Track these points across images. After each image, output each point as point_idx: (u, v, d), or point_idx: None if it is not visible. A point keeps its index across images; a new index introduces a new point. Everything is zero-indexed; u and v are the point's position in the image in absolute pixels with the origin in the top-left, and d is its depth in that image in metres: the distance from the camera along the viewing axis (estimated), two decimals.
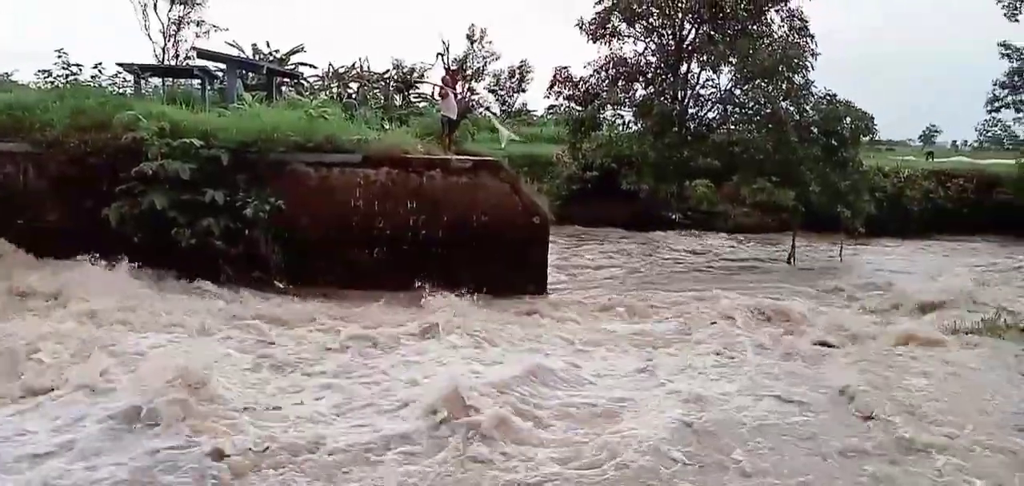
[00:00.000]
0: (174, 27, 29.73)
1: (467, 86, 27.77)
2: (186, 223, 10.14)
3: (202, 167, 10.38)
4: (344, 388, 6.73)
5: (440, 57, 25.35)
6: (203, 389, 5.99)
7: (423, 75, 33.06)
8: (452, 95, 20.53)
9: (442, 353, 7.90)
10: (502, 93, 33.80)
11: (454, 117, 16.89)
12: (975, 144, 41.66)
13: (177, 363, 6.24)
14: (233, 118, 11.70)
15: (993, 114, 27.39)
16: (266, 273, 10.34)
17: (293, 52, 31.71)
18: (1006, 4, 25.21)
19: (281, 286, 10.09)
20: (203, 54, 22.23)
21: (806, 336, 9.19)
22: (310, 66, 32.55)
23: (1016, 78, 25.68)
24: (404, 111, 27.89)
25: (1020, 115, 26.63)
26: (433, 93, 22.11)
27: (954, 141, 54.35)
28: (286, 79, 24.60)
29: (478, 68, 27.52)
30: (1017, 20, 25.29)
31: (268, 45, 32.29)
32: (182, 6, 29.55)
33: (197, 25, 29.78)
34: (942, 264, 15.74)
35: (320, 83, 32.28)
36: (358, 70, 33.82)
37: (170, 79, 20.80)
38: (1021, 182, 23.57)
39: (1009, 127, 28.03)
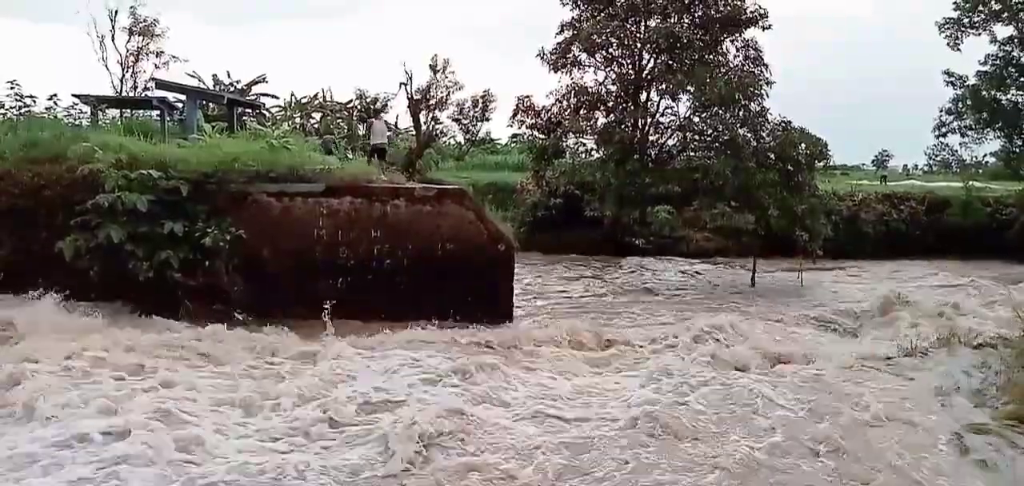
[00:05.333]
0: (132, 58, 29.22)
1: (431, 116, 27.81)
2: (144, 256, 9.95)
3: (161, 199, 10.21)
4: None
5: (403, 87, 25.43)
6: None
7: (386, 105, 33.09)
8: (379, 123, 20.60)
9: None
10: (466, 122, 33.92)
11: (383, 144, 16.97)
12: (925, 168, 42.95)
13: None
14: (193, 149, 11.55)
15: (941, 139, 28.38)
16: (227, 305, 10.15)
17: (255, 82, 31.51)
18: (949, 35, 26.35)
19: (241, 318, 9.92)
20: (162, 85, 21.91)
21: (762, 356, 9.32)
22: (272, 96, 32.39)
23: (960, 105, 26.66)
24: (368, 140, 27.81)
25: (965, 140, 27.64)
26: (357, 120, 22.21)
27: (905, 165, 55.97)
28: (247, 109, 24.39)
29: (442, 97, 27.57)
30: (959, 49, 26.45)
31: (229, 75, 32.05)
32: (141, 37, 29.09)
33: (156, 56, 29.31)
34: (897, 284, 16.14)
35: (282, 113, 32.06)
36: (321, 100, 33.72)
37: (128, 110, 20.46)
38: (968, 204, 24.42)
39: (956, 152, 29.03)
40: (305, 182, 11.05)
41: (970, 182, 27.39)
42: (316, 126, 30.21)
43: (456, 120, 33.41)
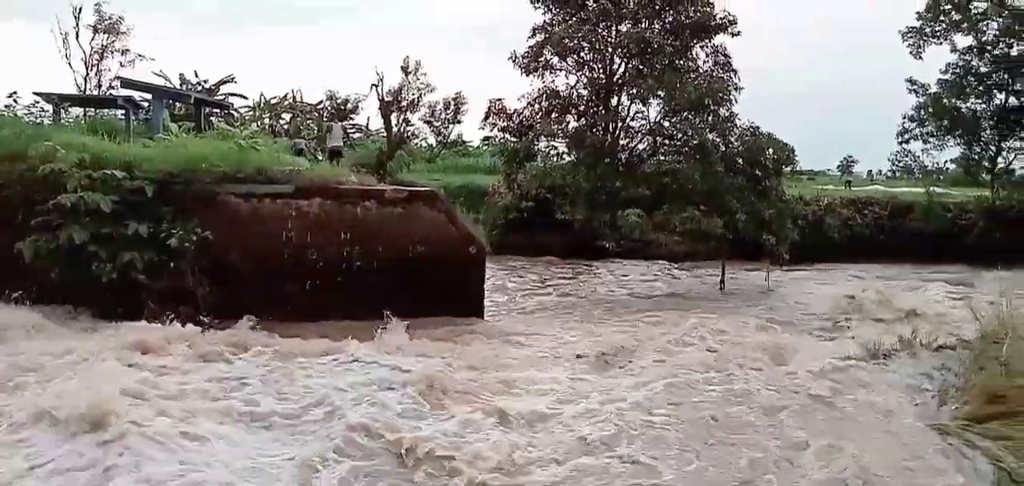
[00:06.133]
0: (97, 56, 28.63)
1: (402, 117, 27.68)
2: (107, 257, 9.76)
3: (125, 199, 10.04)
4: None
5: (374, 88, 25.27)
6: None
7: (357, 106, 32.92)
8: (337, 126, 20.56)
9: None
10: (437, 124, 33.86)
11: (339, 147, 16.97)
12: (889, 173, 43.81)
13: None
14: (159, 148, 11.37)
15: (904, 145, 28.96)
16: (193, 307, 10.00)
17: (223, 82, 31.11)
18: (912, 44, 26.97)
19: (207, 321, 9.78)
20: (128, 83, 21.53)
21: (733, 361, 9.43)
22: (241, 97, 31.98)
23: (922, 112, 27.27)
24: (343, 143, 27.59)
25: (927, 146, 28.27)
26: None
27: (870, 171, 57.06)
28: (215, 109, 24.06)
29: (413, 99, 27.46)
30: (921, 58, 27.09)
31: (196, 75, 31.59)
32: (106, 35, 28.52)
33: (122, 54, 28.77)
34: (862, 287, 16.45)
35: (251, 114, 31.69)
36: (291, 101, 33.40)
37: (92, 109, 20.05)
38: (930, 209, 25.02)
39: (918, 158, 29.67)
40: (274, 183, 10.94)
41: (931, 188, 28.05)
42: (286, 127, 29.90)
43: (428, 122, 33.33)
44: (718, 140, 17.87)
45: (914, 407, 7.56)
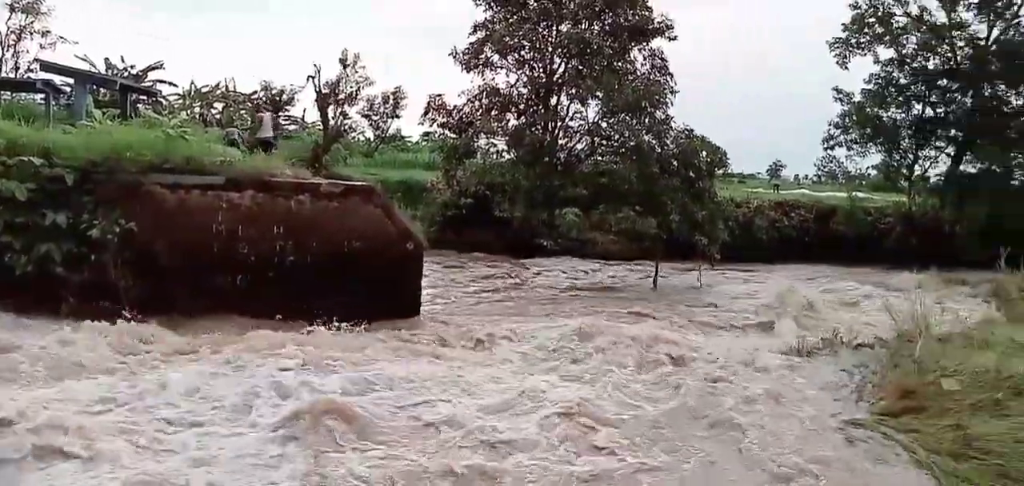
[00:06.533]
0: (14, 37, 27.22)
1: (340, 111, 27.24)
2: (22, 249, 9.28)
3: (43, 187, 9.55)
4: None
5: (311, 80, 24.76)
6: None
7: (293, 98, 32.26)
8: (267, 117, 20.21)
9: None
10: (376, 118, 33.48)
11: (269, 138, 16.65)
12: (815, 178, 45.49)
13: None
14: (80, 135, 10.85)
15: (829, 151, 30.14)
16: (115, 302, 9.60)
17: (151, 69, 30.06)
18: (838, 54, 28.12)
19: (129, 317, 9.41)
20: (47, 66, 20.56)
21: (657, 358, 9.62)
22: (170, 84, 30.94)
23: (847, 120, 28.44)
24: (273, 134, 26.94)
25: (851, 153, 29.50)
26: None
27: (797, 175, 59.10)
28: (142, 96, 23.20)
29: (351, 93, 27.05)
30: (847, 68, 28.28)
31: (123, 60, 30.40)
32: (24, 15, 27.13)
33: (41, 36, 27.44)
34: (787, 287, 17.06)
35: (181, 102, 30.67)
36: (223, 90, 32.47)
37: (8, 92, 19.06)
38: (852, 213, 26.14)
39: (842, 164, 30.87)
40: (204, 174, 10.59)
41: (854, 192, 29.28)
42: (218, 117, 29.04)
43: (366, 116, 33.00)
44: (654, 142, 18.26)
45: (834, 403, 7.88)
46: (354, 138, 32.92)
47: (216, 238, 10.31)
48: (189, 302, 9.69)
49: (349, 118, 29.62)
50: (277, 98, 33.05)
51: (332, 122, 25.85)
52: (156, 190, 10.25)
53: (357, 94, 27.57)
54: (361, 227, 10.95)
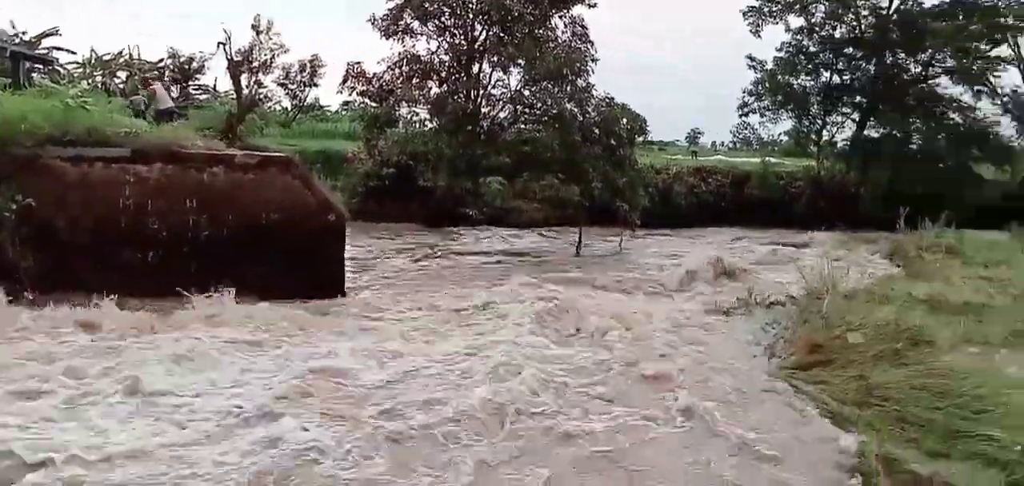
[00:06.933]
0: None
1: (254, 79, 26.22)
2: None
3: None
4: None
5: (222, 47, 23.70)
6: None
7: (203, 66, 30.90)
8: (159, 88, 19.40)
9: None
10: (292, 87, 32.45)
11: (172, 108, 16.01)
12: (731, 145, 46.95)
13: None
14: None
15: (743, 119, 31.09)
16: (14, 281, 9.05)
17: (45, 35, 28.04)
18: (751, 22, 28.94)
19: (31, 296, 8.89)
20: None
21: (584, 321, 9.80)
22: (68, 51, 29.02)
23: (760, 87, 29.38)
24: (182, 104, 25.80)
25: (764, 120, 30.54)
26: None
27: (714, 142, 60.70)
28: (37, 65, 21.75)
29: (265, 60, 26.05)
30: (760, 36, 29.15)
31: (13, 26, 28.27)
32: None
33: None
34: (706, 250, 17.60)
35: (81, 71, 28.88)
36: (127, 58, 30.75)
37: None
38: (765, 178, 27.14)
39: (756, 130, 31.97)
40: (107, 146, 10.06)
41: (767, 158, 30.38)
42: (122, 87, 27.51)
43: (282, 85, 31.92)
44: (576, 110, 18.37)
45: (751, 359, 8.23)
46: (270, 108, 31.79)
47: (123, 213, 9.85)
48: (95, 279, 9.20)
49: (264, 87, 28.56)
50: (186, 66, 31.55)
51: (246, 91, 24.88)
52: (55, 163, 9.71)
53: (272, 62, 26.55)
54: (279, 199, 10.66)
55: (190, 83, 31.83)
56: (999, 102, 29.35)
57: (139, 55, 31.02)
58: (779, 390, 7.11)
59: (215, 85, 32.15)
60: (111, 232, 9.71)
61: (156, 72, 29.11)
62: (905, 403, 6.17)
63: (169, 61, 31.42)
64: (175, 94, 27.96)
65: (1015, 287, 10.93)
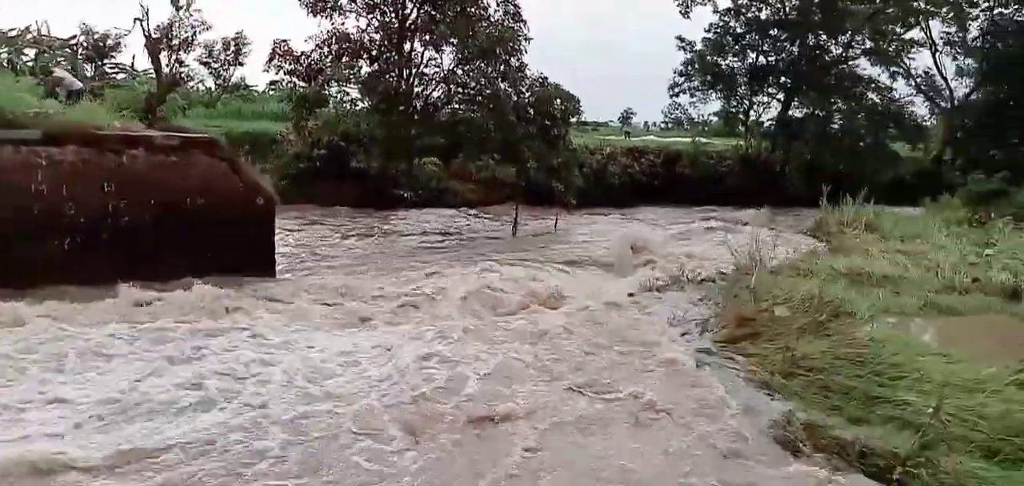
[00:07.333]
0: None
1: (174, 57, 25.14)
2: None
3: None
4: None
5: (139, 23, 22.60)
6: None
7: (119, 43, 29.44)
8: (59, 71, 18.52)
9: None
10: (216, 66, 31.28)
11: (81, 88, 15.32)
12: (662, 125, 47.71)
13: None
14: None
15: (674, 99, 31.70)
16: None
17: None
18: (680, 3, 29.45)
19: None
20: None
21: (517, 301, 9.83)
22: None
23: (690, 68, 29.96)
24: (97, 83, 24.53)
25: (694, 100, 31.20)
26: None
27: (646, 122, 61.52)
28: None
29: (186, 37, 25.01)
30: (689, 17, 29.71)
31: None
32: None
33: None
34: (639, 229, 17.91)
35: None
36: (35, 35, 29.01)
37: None
38: (696, 157, 27.78)
39: (687, 110, 32.58)
40: (15, 128, 9.48)
41: (697, 138, 31.07)
42: (30, 66, 25.98)
43: (205, 63, 30.74)
44: (510, 90, 18.35)
45: (682, 335, 8.42)
46: (193, 88, 30.57)
47: (36, 199, 9.32)
48: (9, 272, 8.70)
49: (186, 66, 27.44)
50: (100, 44, 30.00)
51: (166, 70, 23.85)
52: None
53: (193, 39, 25.55)
54: (204, 182, 10.29)
55: (105, 61, 30.28)
56: (913, 83, 30.85)
57: (48, 31, 29.32)
58: (711, 362, 7.30)
59: (133, 64, 30.71)
60: (24, 220, 9.16)
61: (67, 50, 27.59)
62: (828, 373, 6.43)
63: (82, 38, 29.80)
64: (89, 73, 26.56)
65: (928, 260, 11.51)
